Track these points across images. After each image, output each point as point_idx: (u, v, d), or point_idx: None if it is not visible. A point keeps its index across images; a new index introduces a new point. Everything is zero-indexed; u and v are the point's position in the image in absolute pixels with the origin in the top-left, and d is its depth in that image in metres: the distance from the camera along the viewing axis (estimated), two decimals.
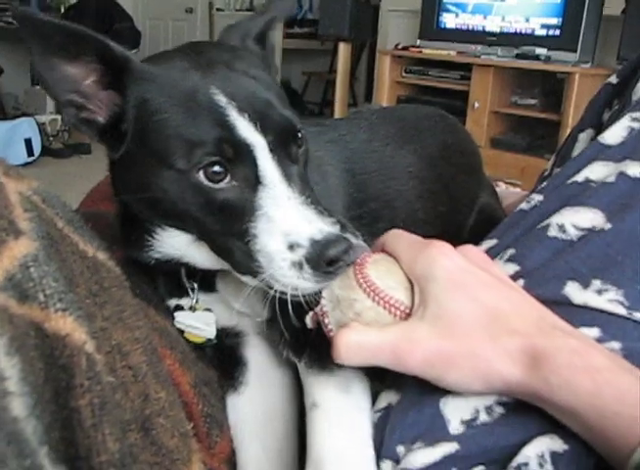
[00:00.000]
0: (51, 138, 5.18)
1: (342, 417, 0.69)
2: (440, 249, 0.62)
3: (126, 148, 0.71)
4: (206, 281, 0.81)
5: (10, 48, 6.50)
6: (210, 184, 0.67)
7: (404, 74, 5.00)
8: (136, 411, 0.58)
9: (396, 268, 0.64)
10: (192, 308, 0.81)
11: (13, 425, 0.42)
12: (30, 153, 4.92)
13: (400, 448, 0.60)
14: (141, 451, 0.56)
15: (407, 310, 0.61)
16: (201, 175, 0.66)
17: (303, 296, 0.66)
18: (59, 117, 5.24)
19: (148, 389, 0.61)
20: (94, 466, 0.47)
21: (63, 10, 6.46)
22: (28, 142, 4.91)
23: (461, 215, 1.18)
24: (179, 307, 0.82)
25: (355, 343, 0.60)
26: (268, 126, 0.68)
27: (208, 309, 0.82)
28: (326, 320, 0.64)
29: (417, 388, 0.61)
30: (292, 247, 0.64)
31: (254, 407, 0.81)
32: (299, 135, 0.72)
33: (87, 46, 0.69)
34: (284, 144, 0.70)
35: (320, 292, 0.65)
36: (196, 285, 0.81)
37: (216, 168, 0.66)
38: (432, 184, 1.09)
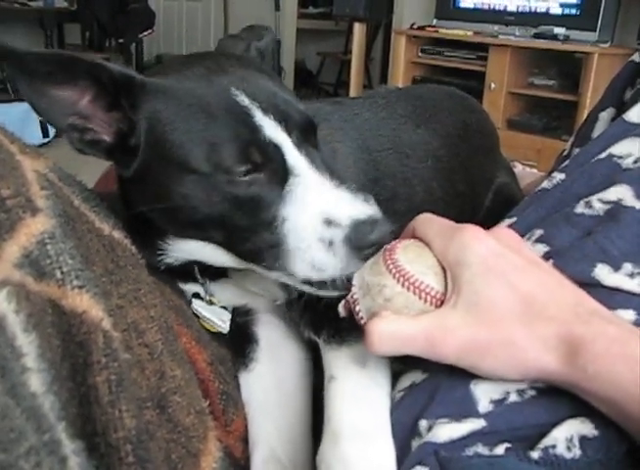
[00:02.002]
0: None
1: (359, 390, 0.68)
2: (473, 233, 0.60)
3: (140, 161, 0.70)
4: (218, 270, 0.81)
5: (24, 30, 6.52)
6: (237, 178, 0.67)
7: (420, 55, 4.95)
8: (152, 389, 0.59)
9: (427, 253, 0.62)
10: (208, 302, 0.82)
11: (31, 400, 0.42)
12: (45, 134, 4.93)
13: (423, 423, 0.60)
14: (157, 429, 0.56)
15: (438, 295, 0.60)
16: (230, 177, 0.67)
17: (328, 285, 0.67)
18: None
19: (163, 367, 0.62)
20: (111, 442, 0.48)
21: None
22: (43, 123, 4.92)
23: (478, 195, 1.17)
24: (196, 295, 0.83)
25: (388, 332, 0.59)
26: (292, 124, 0.70)
27: (224, 307, 0.82)
28: (357, 308, 0.63)
29: (446, 369, 0.60)
30: (329, 222, 0.65)
31: (266, 384, 0.81)
32: (314, 124, 0.74)
33: (79, 72, 0.67)
34: (307, 138, 0.71)
35: (350, 280, 0.65)
36: (207, 281, 0.81)
37: (243, 168, 0.67)
38: (449, 163, 1.08)
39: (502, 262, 0.58)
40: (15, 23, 6.38)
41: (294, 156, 0.69)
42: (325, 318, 0.73)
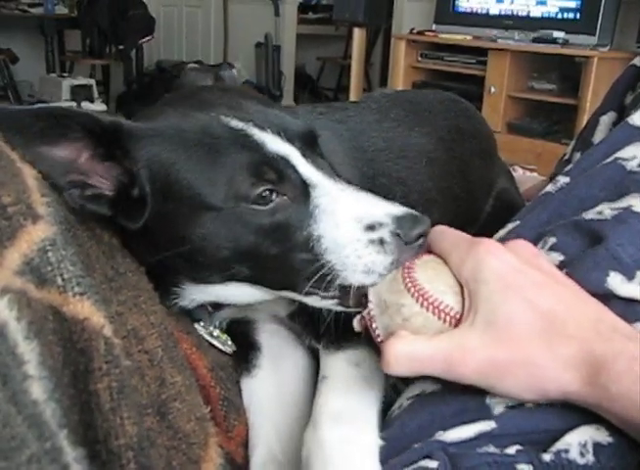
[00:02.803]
0: None
1: (347, 385, 0.69)
2: (488, 247, 0.58)
3: (150, 210, 0.67)
4: None
5: (25, 36, 6.53)
6: (262, 208, 0.66)
7: (420, 59, 4.95)
8: (152, 396, 0.59)
9: (446, 270, 0.61)
10: (210, 333, 0.81)
11: (33, 408, 0.42)
12: None
13: (438, 433, 0.59)
14: (158, 435, 0.56)
15: (457, 315, 0.58)
16: (249, 205, 0.65)
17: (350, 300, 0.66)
18: (74, 104, 5.25)
19: (164, 373, 0.62)
20: (112, 449, 0.48)
21: None
22: None
23: (478, 199, 1.17)
24: (196, 321, 0.82)
25: (405, 353, 0.57)
26: (292, 135, 0.69)
27: (226, 339, 0.82)
28: (374, 325, 0.62)
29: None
30: (371, 228, 0.64)
31: (267, 390, 0.81)
32: (314, 132, 0.73)
33: (71, 124, 0.65)
34: (310, 148, 0.71)
35: (367, 296, 0.64)
36: (214, 311, 0.80)
37: (263, 194, 0.65)
38: (444, 166, 1.09)
39: (520, 278, 0.56)
40: (15, 29, 6.39)
41: (305, 167, 0.68)
42: (326, 328, 0.73)
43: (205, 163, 0.66)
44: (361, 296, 0.65)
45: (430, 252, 0.64)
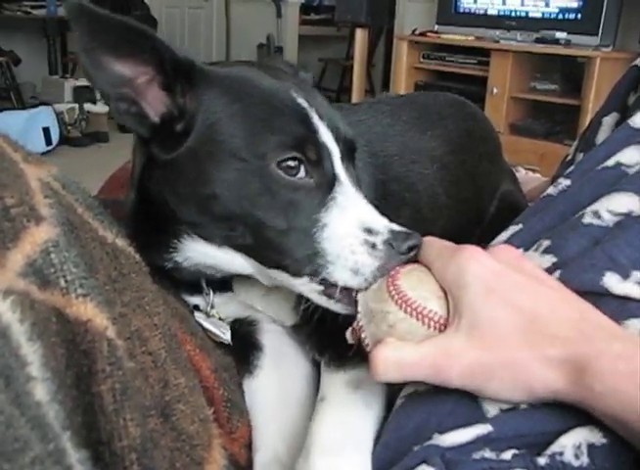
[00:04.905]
0: (69, 127, 5.20)
1: (344, 410, 0.69)
2: (470, 253, 0.59)
3: (188, 146, 0.69)
4: (223, 283, 0.81)
5: (27, 38, 6.54)
6: (285, 175, 0.68)
7: (422, 60, 4.95)
8: (156, 397, 0.59)
9: (429, 278, 0.62)
10: (207, 314, 0.82)
11: (36, 410, 0.42)
12: (49, 142, 4.95)
13: (433, 435, 0.59)
14: (161, 437, 0.56)
15: (442, 321, 0.59)
16: (276, 168, 0.67)
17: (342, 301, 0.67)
18: (76, 105, 5.26)
19: (167, 375, 0.62)
20: (116, 451, 0.48)
21: None
22: (46, 131, 4.93)
23: (483, 202, 1.17)
24: (197, 307, 0.83)
25: (392, 360, 0.58)
26: (339, 137, 0.72)
27: (221, 319, 0.82)
28: (363, 334, 0.63)
29: None
30: (369, 231, 0.67)
31: (270, 390, 0.81)
32: (355, 144, 0.77)
33: (145, 46, 0.66)
34: (348, 155, 0.74)
35: (356, 306, 0.65)
36: (211, 292, 0.81)
37: (292, 163, 0.68)
38: (454, 170, 1.09)
39: (502, 281, 0.57)
40: (18, 30, 6.41)
41: (339, 166, 0.71)
42: (329, 342, 0.74)
43: (260, 117, 0.69)
44: (351, 298, 0.67)
45: (415, 262, 0.66)
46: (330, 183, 0.70)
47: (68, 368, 0.48)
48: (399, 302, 0.60)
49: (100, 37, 0.64)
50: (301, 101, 0.71)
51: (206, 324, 0.81)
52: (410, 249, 0.65)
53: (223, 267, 0.75)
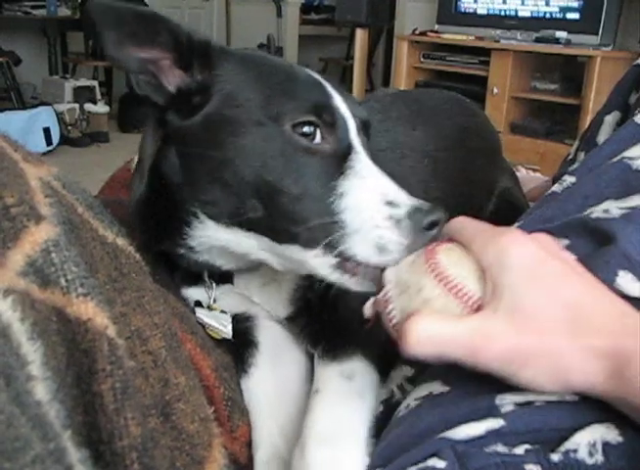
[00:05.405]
0: (69, 127, 5.20)
1: (338, 401, 0.69)
2: (514, 236, 0.57)
3: (205, 113, 0.72)
4: (224, 275, 0.81)
5: (28, 38, 6.54)
6: (302, 140, 0.68)
7: (422, 60, 4.95)
8: (156, 396, 0.59)
9: (468, 257, 0.60)
10: (209, 307, 0.82)
11: (36, 409, 0.42)
12: (49, 142, 4.95)
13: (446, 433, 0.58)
14: (161, 436, 0.56)
15: (478, 302, 0.57)
16: (292, 131, 0.68)
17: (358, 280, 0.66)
18: (76, 105, 5.26)
19: (167, 374, 0.62)
20: (116, 450, 0.48)
21: None
22: (47, 131, 4.93)
23: (480, 198, 1.17)
24: (198, 303, 0.83)
25: (427, 333, 0.55)
26: (355, 112, 0.74)
27: (224, 311, 0.82)
28: (389, 307, 0.60)
29: (470, 382, 0.58)
30: (390, 204, 0.65)
31: (267, 387, 0.81)
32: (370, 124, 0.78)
33: (162, 33, 0.70)
34: (364, 131, 0.75)
35: (381, 280, 0.63)
36: (214, 284, 0.81)
37: (307, 127, 0.69)
38: (448, 165, 1.09)
39: (545, 267, 0.55)
40: (18, 31, 6.41)
41: (355, 136, 0.72)
42: (323, 334, 0.74)
43: (274, 82, 0.71)
44: (375, 273, 0.64)
45: (449, 240, 0.63)
46: (346, 151, 0.70)
47: (69, 367, 0.48)
48: (438, 277, 0.58)
49: (122, 28, 0.68)
50: (317, 76, 0.74)
51: (208, 319, 0.81)
52: (432, 224, 0.64)
53: (234, 249, 0.74)
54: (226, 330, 0.82)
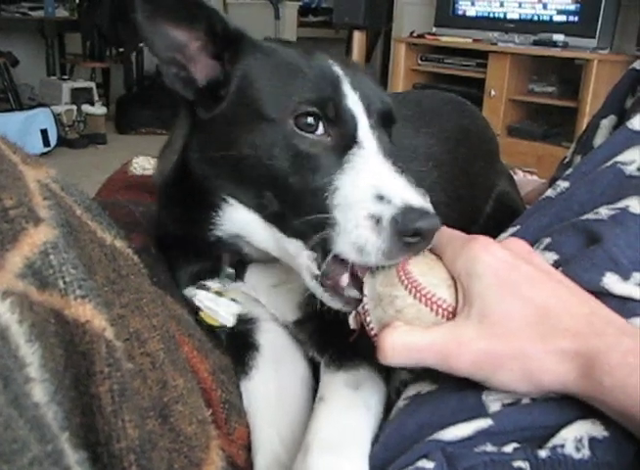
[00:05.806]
0: (67, 128, 5.19)
1: (343, 409, 0.69)
2: (483, 244, 0.59)
3: (223, 107, 0.72)
4: (237, 271, 0.81)
5: (25, 39, 6.53)
6: (302, 133, 0.68)
7: (420, 62, 4.96)
8: (154, 398, 0.59)
9: (439, 265, 0.62)
10: (218, 293, 0.81)
11: (34, 411, 0.42)
12: (46, 143, 4.94)
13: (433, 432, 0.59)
14: (160, 438, 0.56)
15: (450, 308, 0.59)
16: (294, 123, 0.68)
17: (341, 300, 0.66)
18: (74, 107, 5.25)
19: (166, 376, 0.62)
20: (114, 452, 0.48)
21: None
22: (44, 132, 4.92)
23: (479, 201, 1.18)
24: (202, 286, 0.82)
25: (400, 343, 0.58)
26: (373, 108, 0.73)
27: (234, 300, 0.82)
28: (368, 318, 0.62)
29: (456, 380, 0.59)
30: (380, 198, 0.63)
31: (267, 390, 0.81)
32: (394, 117, 0.78)
33: (199, 16, 0.71)
34: (383, 124, 0.74)
35: (362, 291, 0.64)
36: (234, 271, 0.82)
37: (310, 119, 0.69)
38: (449, 167, 1.09)
39: (514, 274, 0.57)
40: (16, 32, 6.39)
41: (365, 131, 0.70)
42: (330, 342, 0.74)
43: (284, 77, 0.71)
44: (354, 297, 0.65)
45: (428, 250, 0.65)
46: (348, 145, 0.69)
47: (67, 369, 0.48)
48: (409, 287, 0.60)
49: (160, 4, 0.69)
50: (337, 70, 0.72)
51: (210, 304, 0.81)
52: (417, 232, 0.61)
53: (250, 239, 0.76)
54: (228, 318, 0.81)
